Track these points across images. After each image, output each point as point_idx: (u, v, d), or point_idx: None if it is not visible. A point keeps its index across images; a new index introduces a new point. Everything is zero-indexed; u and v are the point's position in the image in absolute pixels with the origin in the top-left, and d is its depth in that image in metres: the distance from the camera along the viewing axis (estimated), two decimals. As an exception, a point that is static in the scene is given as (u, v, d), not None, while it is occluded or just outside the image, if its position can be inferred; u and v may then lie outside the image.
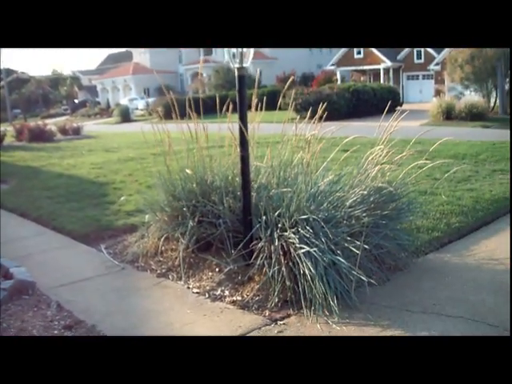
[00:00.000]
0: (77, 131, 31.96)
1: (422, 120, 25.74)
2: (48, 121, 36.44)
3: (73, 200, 11.29)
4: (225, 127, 6.81)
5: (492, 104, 32.47)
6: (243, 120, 6.28)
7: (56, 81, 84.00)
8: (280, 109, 7.28)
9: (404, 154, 6.96)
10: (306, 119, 6.99)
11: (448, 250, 7.24)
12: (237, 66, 6.16)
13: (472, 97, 30.35)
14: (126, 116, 44.43)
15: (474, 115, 26.95)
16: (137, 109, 54.98)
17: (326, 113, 6.81)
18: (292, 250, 5.73)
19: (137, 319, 5.72)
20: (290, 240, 5.78)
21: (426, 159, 7.10)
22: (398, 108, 7.39)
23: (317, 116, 6.77)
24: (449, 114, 27.70)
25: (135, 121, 41.47)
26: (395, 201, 6.80)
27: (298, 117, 7.06)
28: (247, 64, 6.18)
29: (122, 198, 10.20)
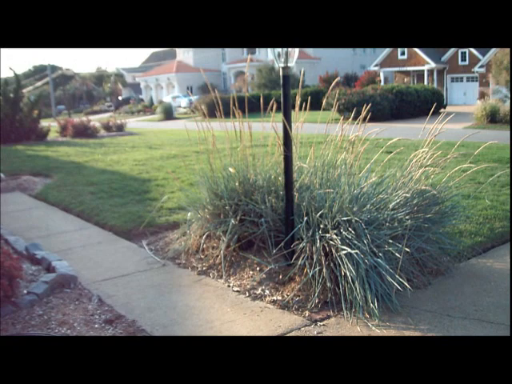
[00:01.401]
0: (120, 128, 32.24)
1: (465, 123, 25.50)
2: (92, 117, 36.86)
3: (115, 196, 11.41)
4: (268, 126, 6.82)
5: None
6: (287, 119, 6.27)
7: (100, 78, 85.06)
8: (323, 109, 7.26)
9: (448, 156, 6.91)
10: (350, 120, 6.97)
11: (491, 256, 7.15)
12: (282, 65, 6.16)
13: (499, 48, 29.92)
14: (169, 113, 44.70)
15: (519, 118, 26.62)
16: (180, 106, 55.33)
17: (369, 114, 6.78)
18: (334, 252, 5.72)
19: (177, 315, 5.75)
20: (332, 241, 5.76)
21: (470, 162, 7.03)
22: (442, 110, 7.32)
23: (360, 117, 6.74)
24: (493, 117, 27.36)
25: (178, 118, 41.72)
26: (438, 204, 6.74)
27: (342, 117, 7.03)
28: (292, 63, 6.18)
29: (165, 197, 10.27)
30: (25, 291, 6.28)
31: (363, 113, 6.73)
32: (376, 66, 52.67)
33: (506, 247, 7.46)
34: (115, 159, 17.32)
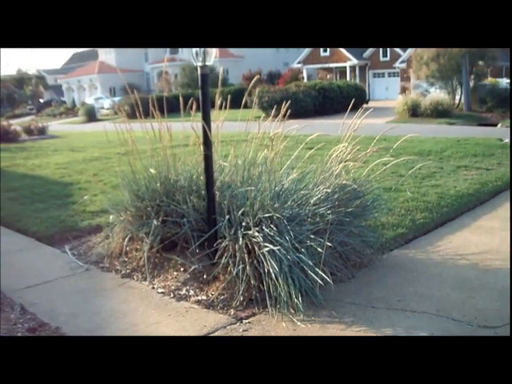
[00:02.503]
0: (42, 131, 31.63)
1: (388, 117, 25.93)
2: (13, 121, 36.04)
3: (37, 201, 11.16)
4: (189, 126, 6.78)
5: (457, 101, 32.80)
6: (206, 119, 6.25)
7: (21, 80, 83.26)
8: (246, 107, 7.27)
9: (368, 151, 6.99)
10: (271, 117, 6.98)
11: (413, 246, 7.29)
12: (199, 64, 6.13)
13: (437, 94, 30.65)
14: (91, 115, 44.15)
15: (440, 112, 27.21)
16: (103, 108, 54.63)
17: (290, 111, 6.81)
18: (256, 249, 5.72)
19: (101, 320, 5.66)
20: (254, 239, 5.77)
21: (392, 156, 7.14)
22: (365, 105, 7.41)
23: (280, 114, 6.77)
24: (414, 112, 27.92)
25: (101, 120, 41.22)
26: (360, 198, 6.82)
27: (264, 115, 7.05)
28: (210, 62, 6.15)
29: (86, 197, 10.13)
30: None
31: (283, 109, 6.75)
32: (299, 63, 53.07)
33: (426, 238, 7.64)
34: (37, 163, 17.00)
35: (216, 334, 5.20)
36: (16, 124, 32.26)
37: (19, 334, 5.45)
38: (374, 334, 4.95)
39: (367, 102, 34.23)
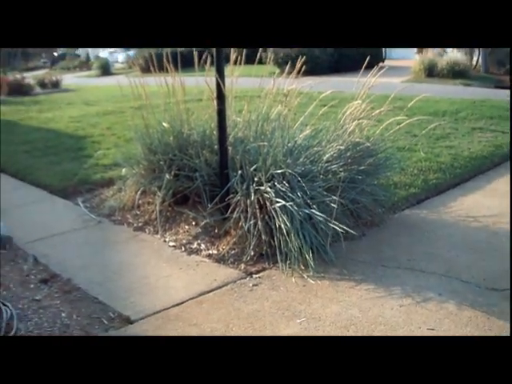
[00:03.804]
0: (56, 85, 31.51)
1: (403, 77, 25.66)
2: (27, 74, 35.84)
3: (50, 154, 11.17)
4: (203, 81, 6.74)
5: (474, 62, 32.41)
6: (220, 72, 6.19)
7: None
8: (261, 63, 7.22)
9: (383, 109, 6.94)
10: (286, 73, 6.94)
11: (425, 207, 7.27)
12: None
13: (454, 54, 30.19)
14: (106, 69, 43.78)
15: (456, 73, 26.84)
16: (117, 62, 54.29)
17: (305, 67, 6.75)
18: (268, 204, 5.73)
19: (112, 272, 5.71)
20: (266, 194, 5.77)
21: (406, 115, 7.08)
22: (381, 64, 7.34)
23: (295, 70, 6.72)
24: (431, 71, 27.55)
25: (115, 74, 40.96)
26: (372, 156, 6.78)
27: (279, 71, 7.00)
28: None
29: (100, 152, 10.13)
30: (-42, 254, 6.15)
31: (298, 65, 6.69)
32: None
33: (439, 198, 7.60)
34: (50, 117, 16.95)
35: (226, 287, 5.25)
36: (30, 77, 32.12)
37: (32, 285, 5.52)
38: (383, 293, 4.98)
39: (383, 61, 33.83)
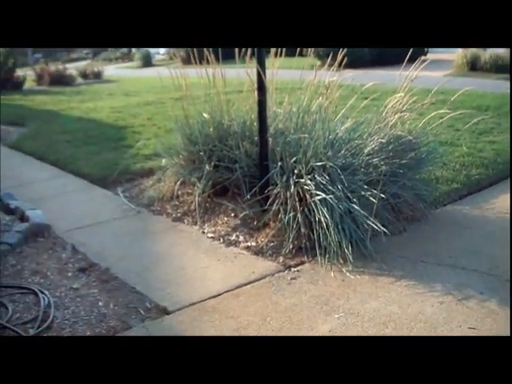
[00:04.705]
0: (97, 75, 31.77)
1: (445, 70, 25.36)
2: (69, 65, 36.17)
3: (91, 143, 11.24)
4: (244, 73, 6.71)
5: (518, 56, 31.92)
6: (261, 64, 6.19)
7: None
8: (301, 55, 7.17)
9: (425, 102, 6.84)
10: (326, 66, 6.88)
11: (467, 203, 7.14)
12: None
13: (498, 48, 29.78)
14: (147, 61, 44.03)
15: (499, 67, 26.39)
16: (158, 53, 54.58)
17: (345, 59, 6.69)
18: (308, 197, 5.68)
19: (150, 263, 5.73)
20: (306, 186, 5.71)
21: (448, 109, 6.97)
22: (423, 57, 7.23)
23: (336, 63, 6.65)
24: (474, 65, 27.17)
25: (156, 65, 41.19)
26: (414, 150, 6.68)
27: (319, 63, 6.94)
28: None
29: (140, 143, 10.16)
30: (-2, 241, 6.21)
31: (339, 57, 6.63)
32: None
33: (481, 195, 7.47)
34: (91, 107, 17.05)
35: (264, 280, 5.21)
36: (72, 68, 32.42)
37: (70, 274, 5.56)
38: (423, 289, 4.90)
39: (425, 54, 33.46)
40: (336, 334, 4.25)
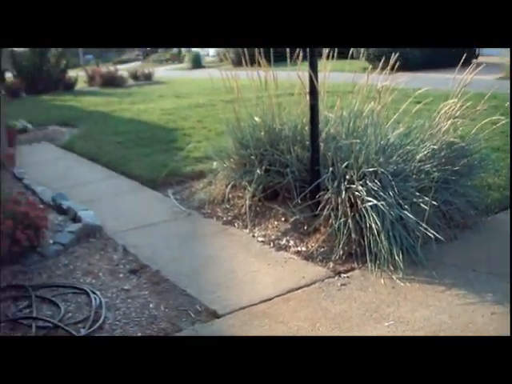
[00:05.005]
0: (148, 77, 32.01)
1: (498, 73, 25.00)
2: (120, 66, 36.51)
3: (142, 145, 11.36)
4: (295, 76, 6.71)
5: None
6: (313, 67, 6.17)
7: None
8: (352, 58, 7.14)
9: (478, 108, 6.76)
10: (379, 69, 6.84)
11: (520, 210, 7.03)
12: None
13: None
14: (197, 62, 44.22)
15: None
16: (208, 55, 54.85)
17: (398, 63, 6.65)
18: (359, 203, 5.66)
19: (200, 266, 5.76)
20: (358, 192, 5.70)
21: (501, 115, 6.88)
22: (474, 60, 7.15)
23: (389, 66, 6.62)
24: (525, 68, 26.78)
25: (206, 67, 41.38)
26: (467, 156, 6.62)
27: (371, 67, 6.91)
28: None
29: (191, 145, 10.22)
30: (50, 241, 6.31)
31: (392, 61, 6.59)
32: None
33: (536, 202, 7.34)
34: (142, 108, 17.22)
35: (314, 286, 5.20)
36: (123, 69, 32.73)
37: (121, 275, 5.64)
38: (474, 299, 4.82)
39: (477, 57, 33.11)
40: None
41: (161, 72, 36.36)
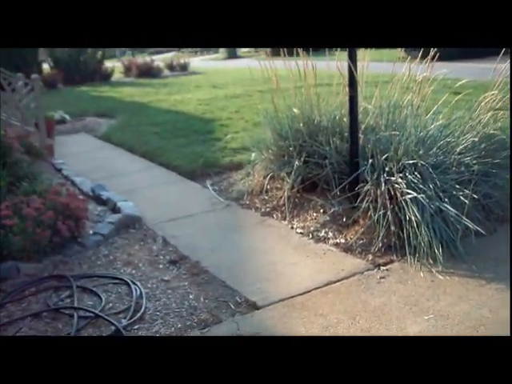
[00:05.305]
0: (184, 67, 32.11)
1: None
2: (155, 57, 36.69)
3: (180, 136, 11.42)
4: (333, 65, 6.68)
5: None
6: (352, 59, 6.13)
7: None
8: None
9: (519, 99, 6.68)
10: (418, 59, 6.78)
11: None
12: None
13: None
14: (232, 52, 44.26)
15: None
16: (243, 45, 54.78)
17: (437, 53, 6.59)
18: (398, 195, 5.63)
19: (240, 257, 5.78)
20: (397, 185, 5.67)
21: (542, 105, 6.79)
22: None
23: (429, 56, 6.56)
24: None
25: (241, 57, 41.39)
26: (507, 149, 6.54)
27: (410, 57, 6.86)
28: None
29: (228, 136, 10.25)
30: (91, 232, 6.41)
31: (431, 52, 6.53)
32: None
33: None
34: (179, 99, 17.29)
35: (353, 278, 5.19)
36: (158, 60, 32.86)
37: (161, 266, 5.69)
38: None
39: (516, 47, 32.62)
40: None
41: (196, 62, 36.51)
